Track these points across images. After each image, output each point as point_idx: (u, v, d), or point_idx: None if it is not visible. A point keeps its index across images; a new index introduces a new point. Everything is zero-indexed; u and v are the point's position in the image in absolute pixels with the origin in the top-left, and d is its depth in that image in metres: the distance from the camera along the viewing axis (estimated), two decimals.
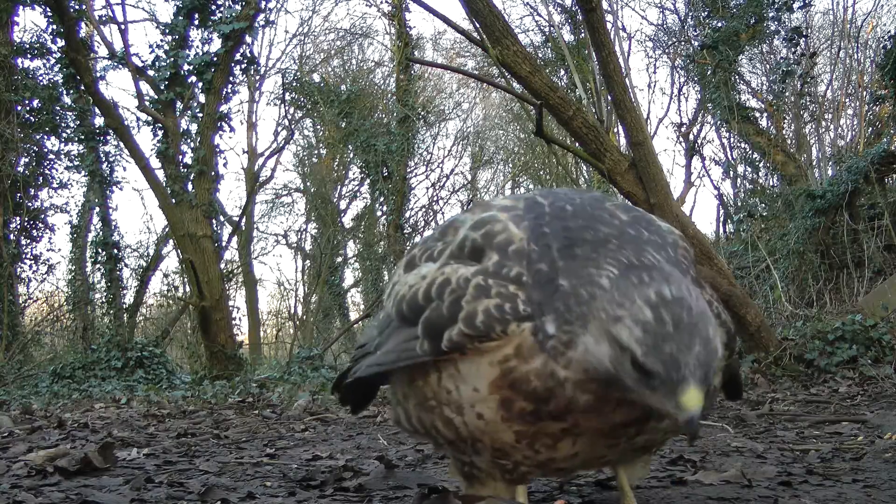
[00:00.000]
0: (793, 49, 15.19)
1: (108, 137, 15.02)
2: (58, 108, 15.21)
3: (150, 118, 13.63)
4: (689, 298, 1.19)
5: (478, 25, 6.28)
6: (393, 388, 1.58)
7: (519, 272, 1.34)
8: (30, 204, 15.06)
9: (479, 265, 1.37)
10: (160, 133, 13.55)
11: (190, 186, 13.36)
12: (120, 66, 14.77)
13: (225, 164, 19.35)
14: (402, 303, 1.44)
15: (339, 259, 23.25)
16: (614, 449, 1.41)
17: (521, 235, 1.38)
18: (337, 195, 24.11)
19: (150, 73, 14.05)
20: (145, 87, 13.98)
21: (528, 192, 1.56)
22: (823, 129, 16.35)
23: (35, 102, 15.14)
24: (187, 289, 15.82)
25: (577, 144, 6.45)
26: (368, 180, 21.30)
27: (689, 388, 1.14)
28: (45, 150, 15.65)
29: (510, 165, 25.33)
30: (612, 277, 1.25)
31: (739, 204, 15.72)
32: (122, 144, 13.75)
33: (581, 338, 1.23)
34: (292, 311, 26.32)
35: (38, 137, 15.50)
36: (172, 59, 13.59)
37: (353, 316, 22.28)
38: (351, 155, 22.64)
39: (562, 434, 1.34)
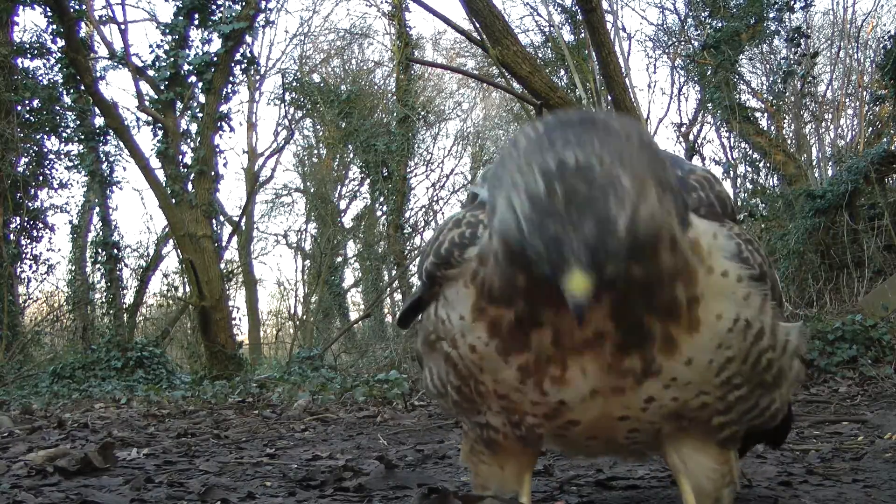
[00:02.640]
0: (793, 49, 15.21)
1: (108, 137, 15.03)
2: (58, 108, 15.21)
3: (150, 118, 13.64)
4: (598, 167, 1.05)
5: (478, 25, 6.29)
6: (417, 339, 1.62)
7: None
8: (30, 204, 15.04)
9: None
10: (160, 133, 13.55)
11: (190, 186, 13.36)
12: (120, 66, 14.79)
13: (225, 164, 19.39)
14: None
15: (339, 259, 23.23)
16: (633, 398, 1.31)
17: None
18: (337, 195, 24.11)
19: (150, 73, 14.06)
20: (145, 87, 14.01)
21: None
22: (823, 129, 16.39)
23: (35, 102, 15.13)
24: (187, 289, 15.82)
25: None
26: (368, 180, 21.31)
27: (572, 272, 1.04)
28: (45, 150, 15.64)
29: None
30: (532, 136, 1.12)
31: (740, 204, 15.71)
32: (122, 144, 13.75)
33: (497, 201, 1.14)
34: (292, 311, 26.30)
35: (38, 137, 15.49)
36: (172, 59, 13.60)
37: (353, 316, 22.26)
38: (351, 155, 22.65)
39: (559, 355, 1.27)
